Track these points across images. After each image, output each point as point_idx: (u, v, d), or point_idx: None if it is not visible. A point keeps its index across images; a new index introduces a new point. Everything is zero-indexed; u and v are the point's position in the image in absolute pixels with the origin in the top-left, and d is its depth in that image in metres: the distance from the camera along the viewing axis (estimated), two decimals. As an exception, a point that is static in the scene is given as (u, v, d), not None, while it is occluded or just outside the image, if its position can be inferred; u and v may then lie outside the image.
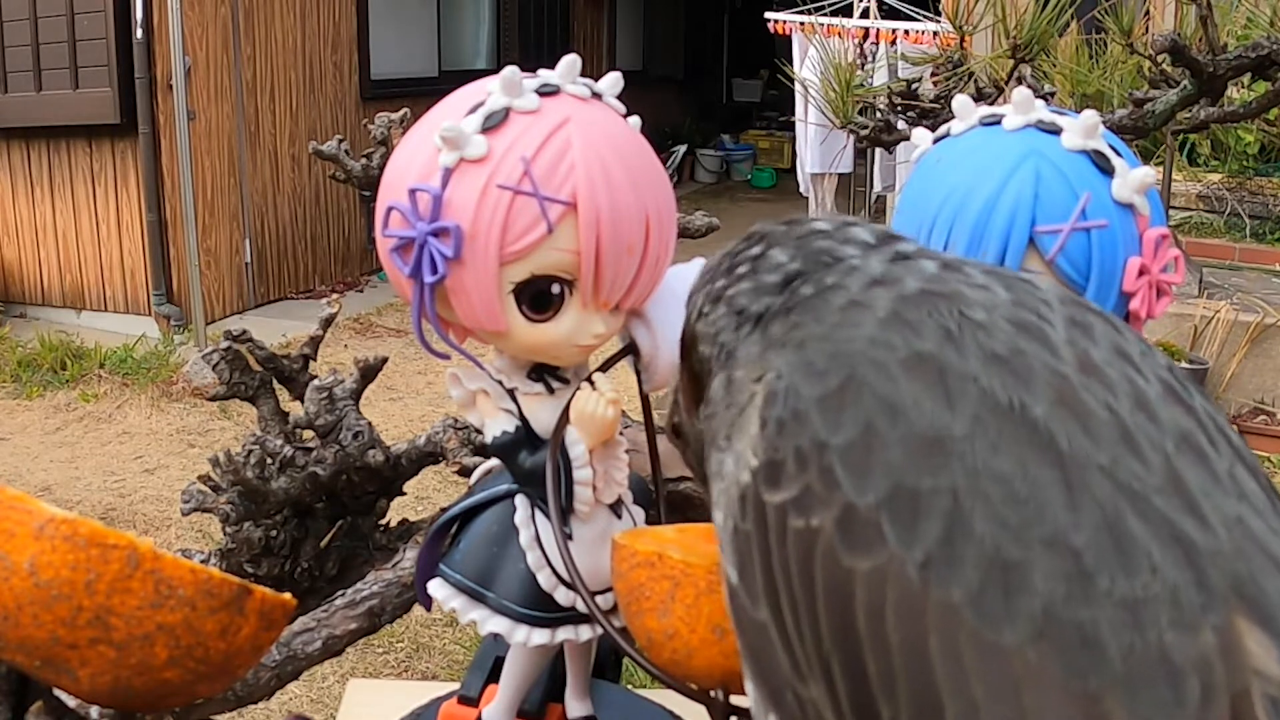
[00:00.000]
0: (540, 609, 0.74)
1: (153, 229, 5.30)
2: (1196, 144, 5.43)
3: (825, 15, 5.55)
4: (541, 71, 0.72)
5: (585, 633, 0.76)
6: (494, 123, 0.68)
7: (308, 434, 1.06)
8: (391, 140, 1.26)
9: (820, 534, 0.40)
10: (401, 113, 1.29)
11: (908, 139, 0.82)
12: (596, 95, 0.72)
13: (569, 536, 0.73)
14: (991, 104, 1.08)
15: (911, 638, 0.38)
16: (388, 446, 1.06)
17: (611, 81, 0.74)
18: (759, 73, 11.25)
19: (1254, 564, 0.38)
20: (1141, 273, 0.72)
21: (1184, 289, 4.06)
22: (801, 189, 6.53)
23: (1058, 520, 0.37)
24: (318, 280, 6.26)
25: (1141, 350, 0.44)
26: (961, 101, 0.79)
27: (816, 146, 6.04)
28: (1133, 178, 0.72)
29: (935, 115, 1.63)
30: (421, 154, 0.69)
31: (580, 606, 0.73)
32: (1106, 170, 0.72)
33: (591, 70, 0.71)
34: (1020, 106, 0.75)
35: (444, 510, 0.80)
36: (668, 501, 0.83)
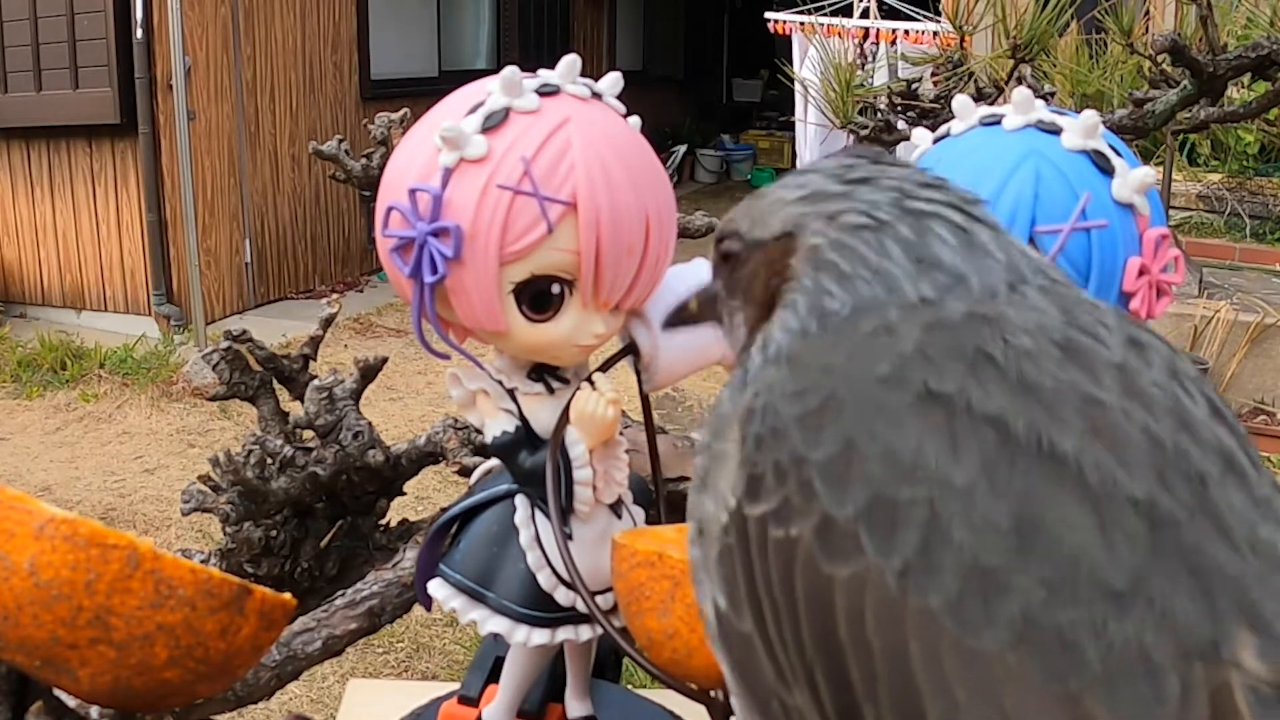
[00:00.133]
0: (540, 609, 0.74)
1: (153, 229, 5.30)
2: (1196, 144, 5.44)
3: (825, 15, 5.55)
4: (541, 71, 0.72)
5: (585, 633, 0.76)
6: (494, 123, 0.68)
7: (308, 434, 1.06)
8: (391, 140, 1.26)
9: (800, 543, 0.41)
10: (401, 113, 1.29)
11: (908, 139, 0.82)
12: (596, 95, 0.72)
13: (569, 536, 0.73)
14: (991, 104, 1.08)
15: (892, 643, 0.38)
16: (388, 446, 1.06)
17: (611, 81, 0.74)
18: (759, 73, 11.24)
19: (1272, 586, 0.38)
20: (1141, 273, 0.72)
21: (1184, 289, 4.06)
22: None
23: (1094, 560, 0.37)
24: (318, 280, 6.26)
25: (1194, 372, 0.45)
26: (961, 101, 0.79)
27: (816, 146, 6.04)
28: (1133, 178, 0.72)
29: (935, 115, 1.63)
30: (421, 154, 0.69)
31: (580, 606, 0.73)
32: (1106, 170, 0.72)
33: (591, 70, 0.71)
34: (1020, 106, 0.75)
35: (444, 510, 0.80)
36: (668, 501, 0.83)
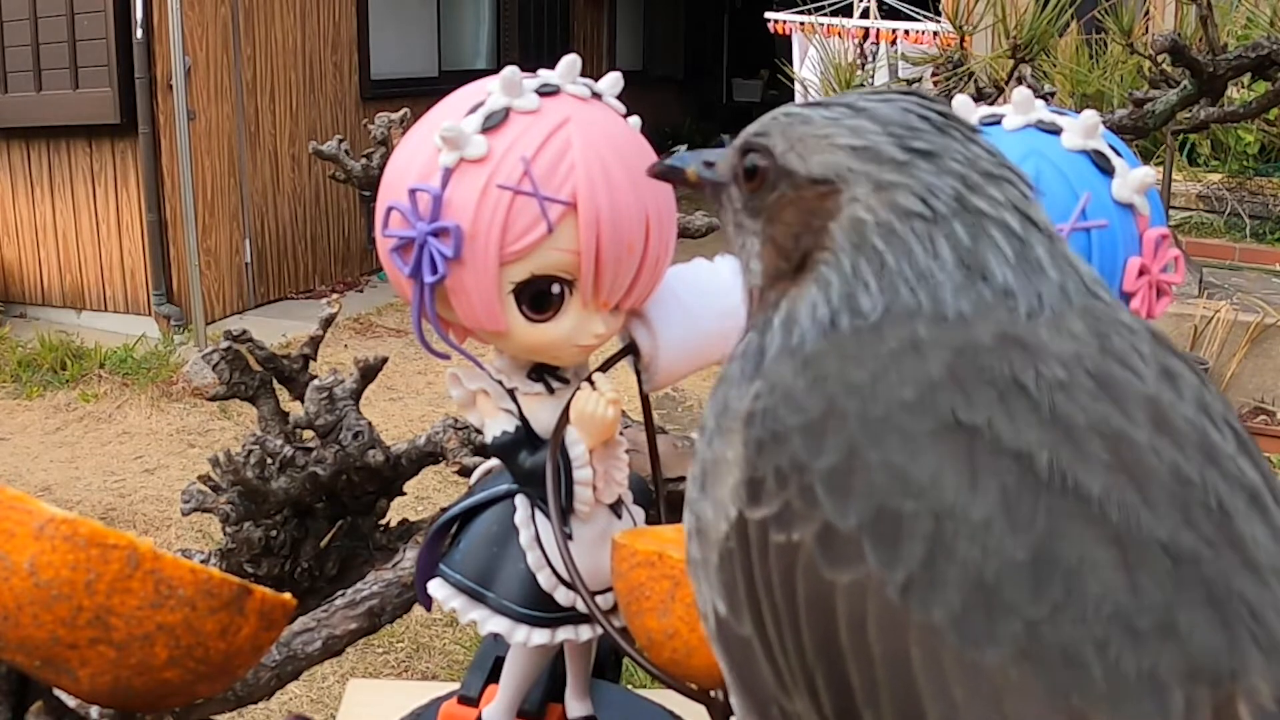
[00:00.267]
0: (540, 609, 0.74)
1: (153, 229, 5.30)
2: (1196, 144, 5.44)
3: (825, 15, 5.55)
4: (541, 71, 0.72)
5: (585, 633, 0.76)
6: (494, 123, 0.68)
7: (308, 434, 1.06)
8: (391, 140, 1.26)
9: (801, 548, 0.40)
10: (401, 113, 1.29)
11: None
12: (596, 95, 0.72)
13: (569, 536, 0.73)
14: (991, 104, 1.08)
15: (893, 649, 0.38)
16: (388, 446, 1.06)
17: (611, 81, 0.74)
18: (759, 73, 11.24)
19: None
20: (1141, 273, 0.72)
21: (1184, 289, 4.06)
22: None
23: (1118, 602, 0.37)
24: (318, 280, 6.26)
25: (1222, 402, 0.44)
26: (961, 101, 0.79)
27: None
28: (1133, 178, 0.72)
29: (935, 115, 1.62)
30: (421, 154, 0.69)
31: (580, 606, 0.73)
32: (1106, 170, 0.72)
33: (591, 70, 0.71)
34: (1020, 106, 0.75)
35: (444, 510, 0.80)
36: (668, 501, 0.83)
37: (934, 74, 2.02)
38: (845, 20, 5.29)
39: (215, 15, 5.41)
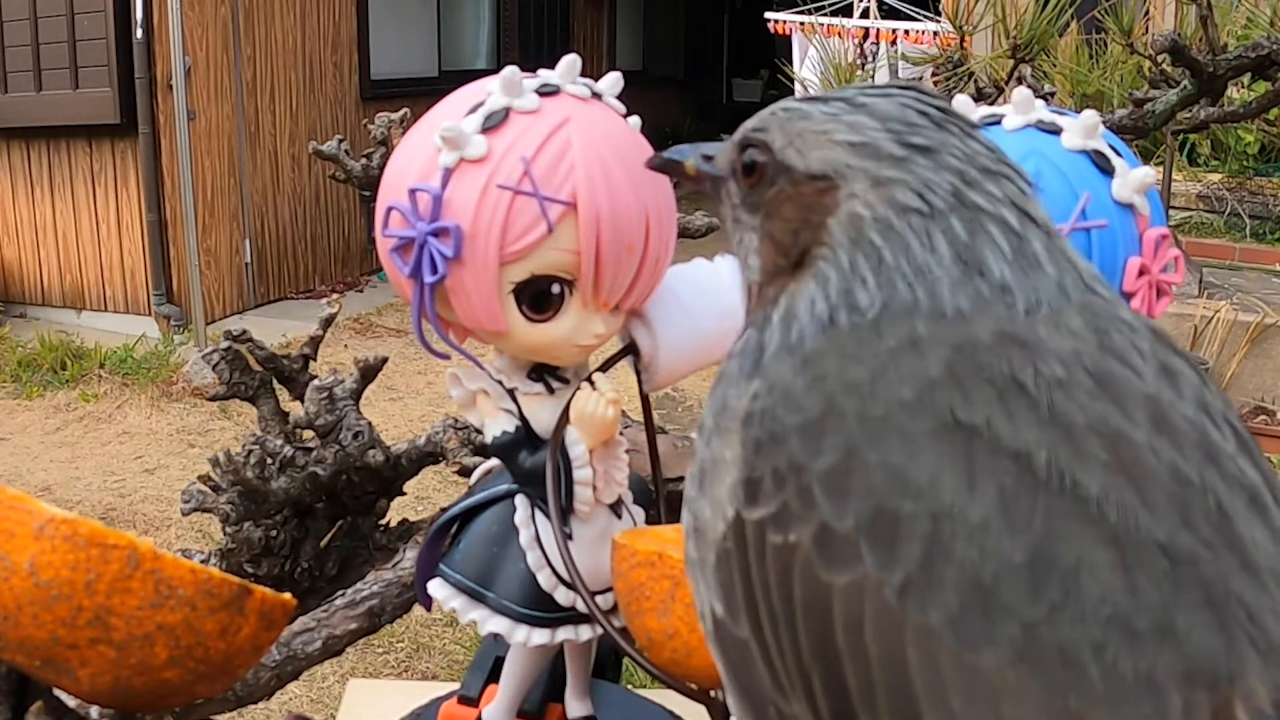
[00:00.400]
0: (540, 609, 0.74)
1: (153, 229, 5.30)
2: (1196, 144, 5.44)
3: (825, 15, 5.55)
4: (541, 71, 0.72)
5: (585, 633, 0.76)
6: (494, 123, 0.68)
7: (308, 434, 1.06)
8: (391, 140, 1.26)
9: (798, 549, 0.40)
10: (401, 113, 1.29)
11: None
12: (596, 95, 0.72)
13: (569, 536, 0.73)
14: (991, 104, 1.08)
15: (890, 650, 0.38)
16: (388, 446, 1.06)
17: (611, 81, 0.74)
18: (759, 73, 11.24)
19: None
20: (1141, 273, 0.72)
21: (1184, 289, 4.06)
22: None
23: (1117, 603, 0.37)
24: (318, 280, 6.26)
25: (1222, 401, 0.44)
26: (961, 101, 0.79)
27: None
28: (1133, 178, 0.72)
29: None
30: (421, 154, 0.69)
31: (580, 606, 0.73)
32: (1106, 170, 0.72)
33: (591, 70, 0.71)
34: (1020, 106, 0.75)
35: (444, 510, 0.80)
36: (668, 501, 0.83)
37: (934, 74, 2.02)
38: (845, 20, 5.30)
39: (215, 15, 5.41)
